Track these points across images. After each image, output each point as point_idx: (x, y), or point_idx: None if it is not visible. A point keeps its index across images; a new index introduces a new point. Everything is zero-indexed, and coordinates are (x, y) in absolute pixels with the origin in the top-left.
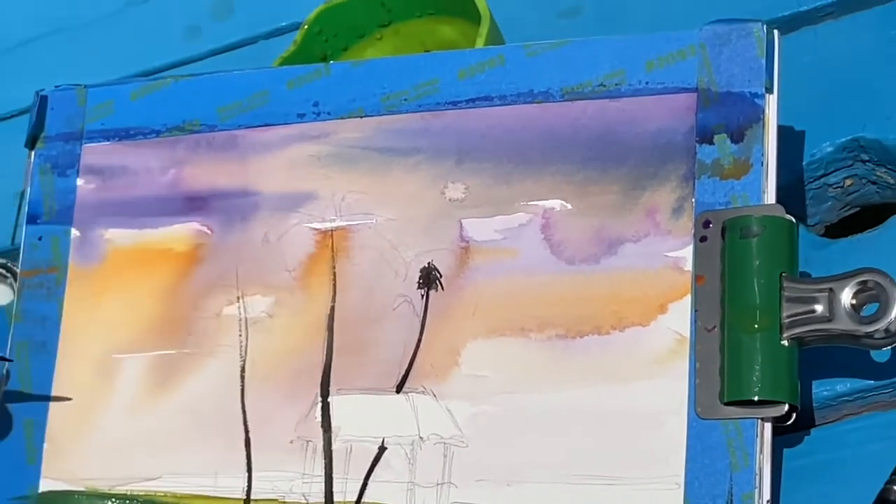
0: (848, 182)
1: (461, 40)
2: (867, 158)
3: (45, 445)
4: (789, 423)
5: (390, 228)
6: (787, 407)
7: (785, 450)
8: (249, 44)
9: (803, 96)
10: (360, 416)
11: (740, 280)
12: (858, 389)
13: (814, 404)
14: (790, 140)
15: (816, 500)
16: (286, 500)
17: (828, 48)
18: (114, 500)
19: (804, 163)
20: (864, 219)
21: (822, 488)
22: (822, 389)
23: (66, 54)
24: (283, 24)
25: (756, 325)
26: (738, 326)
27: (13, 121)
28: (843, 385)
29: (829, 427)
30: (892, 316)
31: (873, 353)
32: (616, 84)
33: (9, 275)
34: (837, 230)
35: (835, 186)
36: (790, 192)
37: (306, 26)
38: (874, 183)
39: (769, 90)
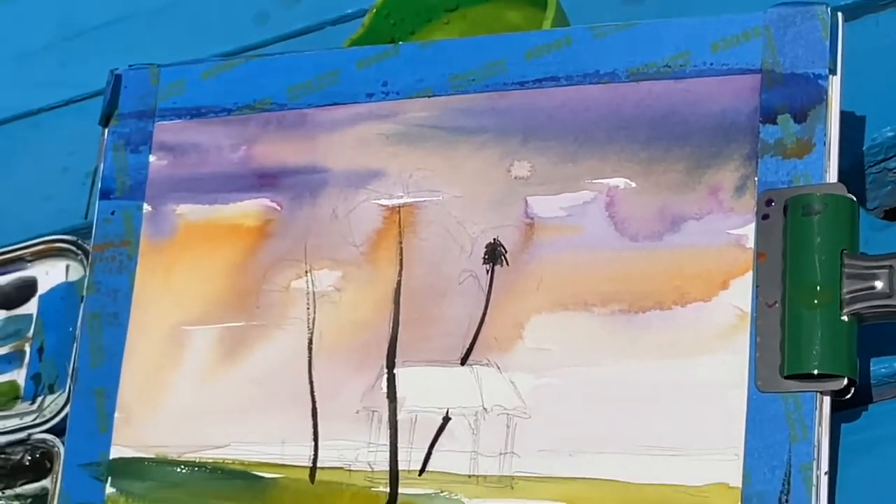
0: None
1: (527, 26)
2: None
3: (117, 414)
4: (848, 397)
5: (456, 205)
6: (845, 381)
7: (843, 425)
8: (316, 30)
9: (864, 82)
10: (425, 387)
11: (801, 257)
12: None
13: (872, 381)
14: (851, 125)
15: (873, 474)
16: (352, 469)
17: (889, 35)
18: (182, 467)
19: (864, 147)
20: None
21: (879, 463)
22: (880, 367)
23: (136, 40)
24: (350, 10)
25: (816, 301)
26: (798, 302)
27: (86, 103)
28: None
29: (887, 403)
30: None
31: None
32: (681, 65)
33: (80, 252)
34: None
35: (895, 171)
36: (850, 176)
37: (375, 10)
38: None
39: (832, 71)
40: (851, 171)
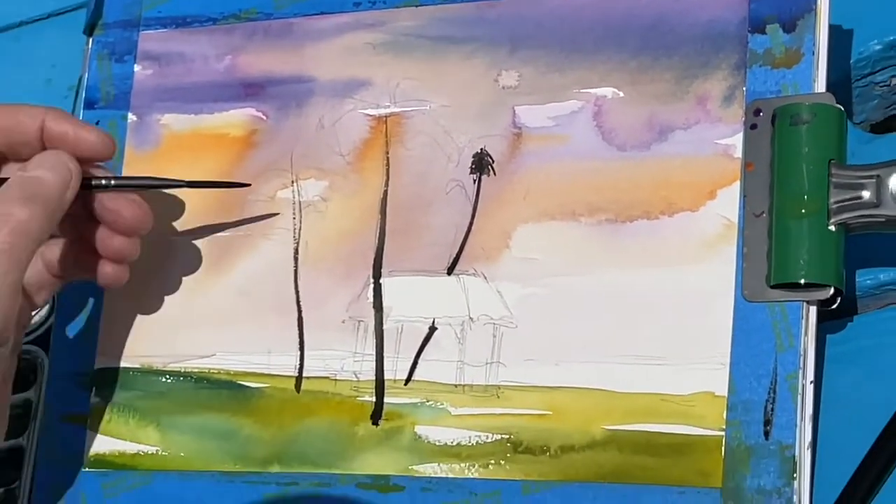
0: (895, 81)
1: None
2: None
3: (101, 324)
4: (833, 307)
5: (444, 115)
6: (832, 290)
7: (828, 336)
8: None
9: None
10: (412, 296)
11: (789, 166)
12: None
13: (857, 293)
14: (838, 38)
15: (858, 384)
16: (337, 378)
17: None
18: (168, 376)
19: (851, 61)
20: None
21: (863, 373)
22: (865, 278)
23: None
24: None
25: (804, 211)
26: (786, 212)
27: (68, 15)
28: (886, 274)
29: (872, 314)
30: None
31: None
32: None
33: None
34: (882, 129)
35: (881, 85)
36: (837, 89)
37: None
38: None
39: None
40: (838, 84)
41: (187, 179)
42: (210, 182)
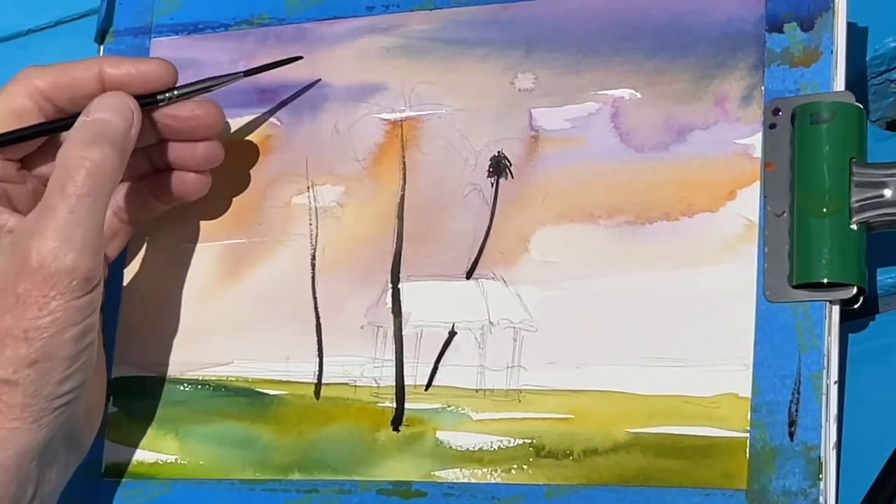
0: None
1: None
2: None
3: (118, 333)
4: (856, 306)
5: (460, 118)
6: (855, 289)
7: (850, 335)
8: None
9: None
10: (431, 301)
11: (810, 165)
12: None
13: (878, 292)
14: (854, 36)
15: (881, 382)
16: (357, 385)
17: None
18: (185, 385)
19: (867, 58)
20: None
21: (886, 372)
22: (886, 277)
23: None
24: None
25: (825, 210)
26: (807, 211)
27: (76, 23)
28: None
29: (893, 313)
30: None
31: None
32: None
33: None
34: None
35: None
36: (853, 87)
37: None
38: None
39: None
40: (854, 82)
41: (243, 70)
42: (264, 66)
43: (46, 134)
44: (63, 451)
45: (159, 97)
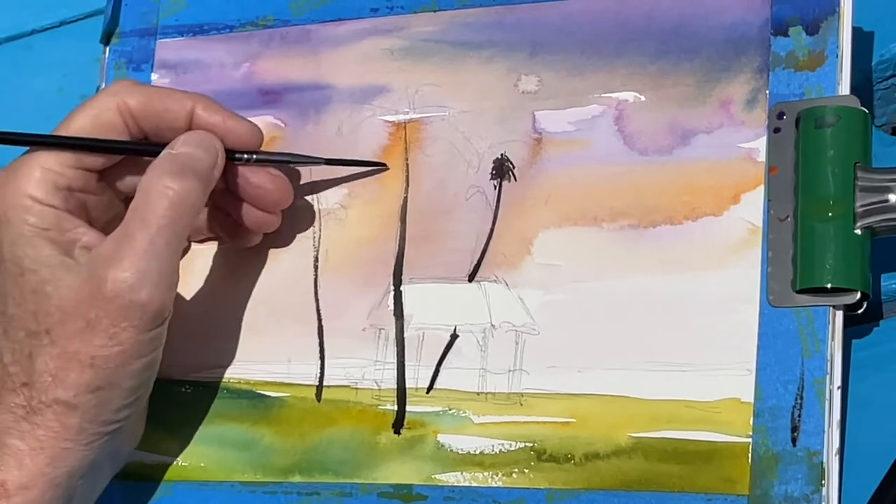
0: None
1: None
2: None
3: None
4: (860, 311)
5: (463, 120)
6: (858, 295)
7: (853, 340)
8: None
9: None
10: (433, 304)
11: (814, 170)
12: None
13: (882, 297)
14: (860, 40)
15: (884, 388)
16: (358, 387)
17: None
18: (187, 386)
19: (872, 63)
20: None
21: (889, 377)
22: (891, 282)
23: None
24: None
25: (830, 214)
26: (811, 215)
27: (80, 24)
28: None
29: None
30: None
31: None
32: None
33: None
34: None
35: None
36: (858, 92)
37: None
38: None
39: None
40: (859, 87)
41: (325, 158)
42: (348, 161)
43: (137, 154)
44: (105, 467)
45: (237, 155)
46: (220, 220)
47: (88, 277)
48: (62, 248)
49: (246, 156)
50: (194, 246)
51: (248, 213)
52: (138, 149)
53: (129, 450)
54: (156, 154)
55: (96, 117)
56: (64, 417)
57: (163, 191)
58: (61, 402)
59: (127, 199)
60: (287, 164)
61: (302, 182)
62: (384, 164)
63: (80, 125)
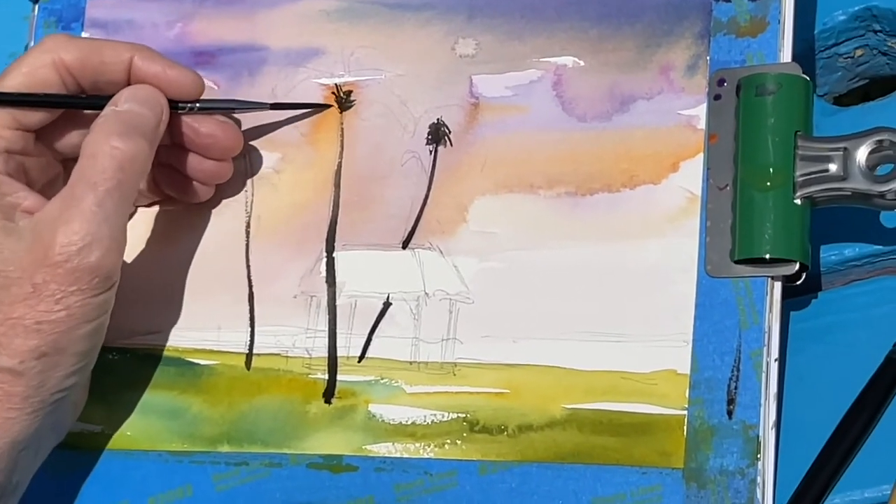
0: (858, 52)
1: None
2: (879, 28)
3: None
4: (798, 282)
5: (399, 84)
6: (797, 266)
7: (792, 312)
8: None
9: None
10: (366, 271)
11: (754, 138)
12: (867, 254)
13: (821, 269)
14: (802, 8)
15: (822, 361)
16: (289, 355)
17: None
18: (113, 353)
19: (815, 32)
20: (872, 91)
21: (828, 350)
22: (830, 254)
23: None
24: None
25: (769, 184)
26: (750, 184)
27: None
28: (851, 250)
29: (837, 290)
30: None
31: (883, 218)
32: None
33: None
34: (846, 102)
35: (845, 56)
36: (801, 61)
37: None
38: (885, 54)
39: None
40: (802, 56)
41: (269, 103)
42: (293, 104)
43: (78, 107)
44: (48, 438)
45: (180, 105)
46: (167, 178)
47: (33, 241)
48: (2, 212)
49: (189, 105)
50: None
51: (199, 164)
52: (80, 102)
53: (72, 420)
54: (98, 107)
55: (30, 75)
56: (8, 385)
57: (109, 152)
58: (5, 369)
59: (65, 159)
60: (231, 110)
61: None
62: (328, 105)
63: (13, 84)
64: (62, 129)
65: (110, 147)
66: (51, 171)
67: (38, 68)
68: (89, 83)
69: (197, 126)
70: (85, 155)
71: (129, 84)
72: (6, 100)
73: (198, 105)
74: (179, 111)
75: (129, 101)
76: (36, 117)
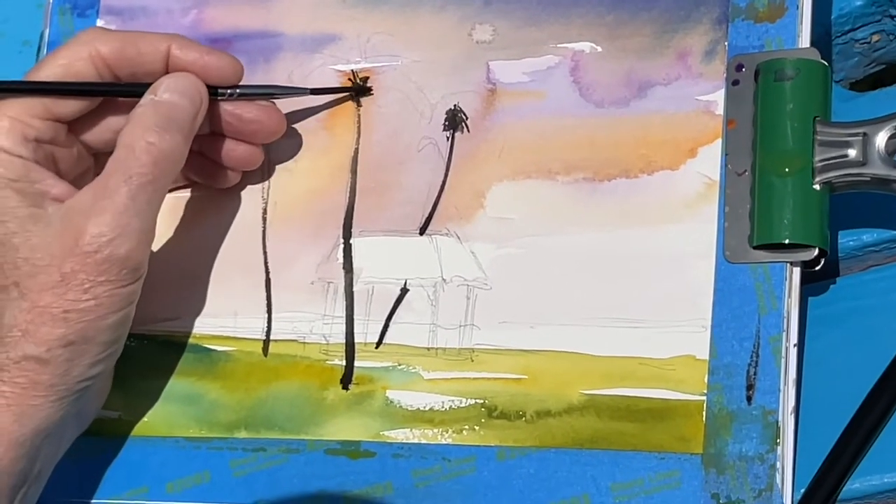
0: (875, 38)
1: None
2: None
3: None
4: (817, 268)
5: (416, 70)
6: (816, 251)
7: (810, 298)
8: None
9: None
10: (383, 257)
11: (773, 123)
12: (885, 240)
13: (839, 255)
14: None
15: (841, 346)
16: (306, 341)
17: None
18: (131, 340)
19: (832, 17)
20: (889, 76)
21: (846, 335)
22: (848, 240)
23: None
24: None
25: (787, 169)
26: (769, 170)
27: None
28: (869, 235)
29: (855, 276)
30: None
31: None
32: None
33: None
34: (862, 87)
35: (861, 42)
36: (818, 46)
37: None
38: None
39: None
40: (818, 41)
41: (309, 88)
42: (331, 88)
43: (112, 95)
44: (71, 427)
45: (220, 91)
46: (197, 165)
47: (63, 230)
48: (31, 199)
49: (229, 91)
50: None
51: (232, 150)
52: (118, 90)
53: (96, 409)
54: (136, 95)
55: (67, 66)
56: (34, 374)
57: (146, 146)
58: (31, 357)
59: (97, 153)
60: (271, 96)
61: None
62: (367, 88)
63: (49, 74)
64: (95, 123)
65: (146, 142)
66: (82, 165)
67: (75, 61)
68: (126, 75)
69: (240, 112)
70: (121, 146)
71: (167, 72)
72: (43, 88)
73: (238, 91)
74: (219, 98)
75: (167, 90)
76: (69, 108)
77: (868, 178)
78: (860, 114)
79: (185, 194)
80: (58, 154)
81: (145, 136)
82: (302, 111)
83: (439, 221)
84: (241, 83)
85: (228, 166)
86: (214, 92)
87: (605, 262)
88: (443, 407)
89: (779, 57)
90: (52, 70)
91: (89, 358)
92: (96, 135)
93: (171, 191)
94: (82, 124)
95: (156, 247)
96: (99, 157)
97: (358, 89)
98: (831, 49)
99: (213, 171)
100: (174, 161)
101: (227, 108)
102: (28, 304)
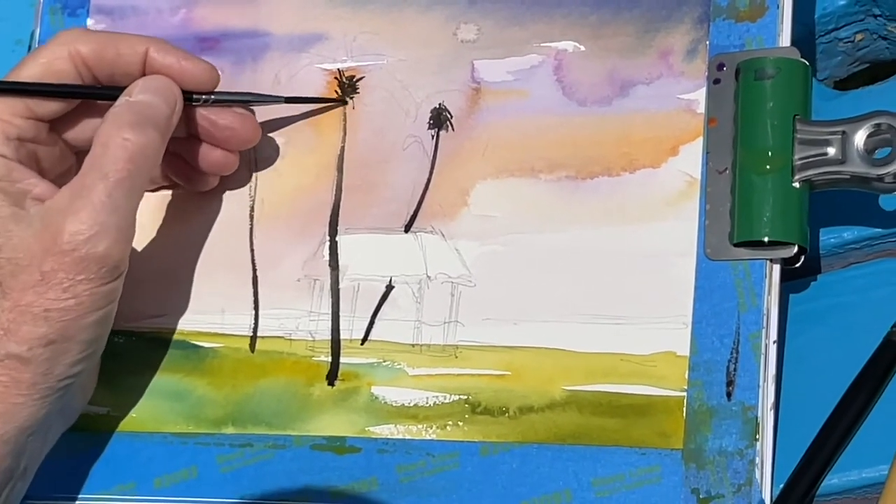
0: (859, 37)
1: None
2: (879, 13)
3: None
4: (797, 265)
5: (401, 69)
6: (796, 248)
7: (791, 295)
8: None
9: None
10: (368, 255)
11: (753, 122)
12: (865, 237)
13: (820, 252)
14: None
15: (821, 343)
16: (292, 338)
17: None
18: (119, 336)
19: (815, 16)
20: (872, 76)
21: (827, 332)
22: (828, 237)
23: None
24: None
25: (768, 167)
26: (749, 168)
27: None
28: (850, 233)
29: (835, 273)
30: None
31: (881, 200)
32: None
33: None
34: (846, 86)
35: (845, 41)
36: (801, 45)
37: None
38: (885, 38)
39: None
40: (802, 40)
41: (284, 97)
42: (307, 98)
43: (93, 98)
44: (56, 424)
45: (195, 97)
46: (175, 167)
47: (42, 229)
48: (12, 198)
49: (204, 97)
50: None
51: (208, 155)
52: (94, 93)
53: (81, 405)
54: (112, 98)
55: (47, 66)
56: (16, 372)
57: (122, 143)
58: (13, 355)
59: (79, 151)
60: (246, 103)
61: None
62: (344, 100)
63: (30, 74)
64: (77, 122)
65: (122, 138)
66: (64, 163)
67: (54, 60)
68: (105, 76)
69: (215, 118)
70: (97, 144)
71: (144, 75)
72: (23, 89)
73: (213, 98)
74: (194, 103)
75: (142, 91)
76: (50, 108)
77: (847, 176)
78: (843, 112)
79: (172, 192)
80: (40, 153)
81: (120, 133)
82: (288, 109)
83: (424, 219)
84: (217, 90)
85: (204, 170)
86: (190, 98)
87: (588, 260)
88: (427, 403)
89: (759, 56)
90: (32, 69)
91: (71, 356)
92: (77, 133)
93: (155, 190)
94: (63, 123)
95: (142, 244)
96: (81, 156)
97: (334, 100)
98: (815, 48)
99: (190, 175)
100: (150, 158)
101: (203, 112)
102: (10, 304)
